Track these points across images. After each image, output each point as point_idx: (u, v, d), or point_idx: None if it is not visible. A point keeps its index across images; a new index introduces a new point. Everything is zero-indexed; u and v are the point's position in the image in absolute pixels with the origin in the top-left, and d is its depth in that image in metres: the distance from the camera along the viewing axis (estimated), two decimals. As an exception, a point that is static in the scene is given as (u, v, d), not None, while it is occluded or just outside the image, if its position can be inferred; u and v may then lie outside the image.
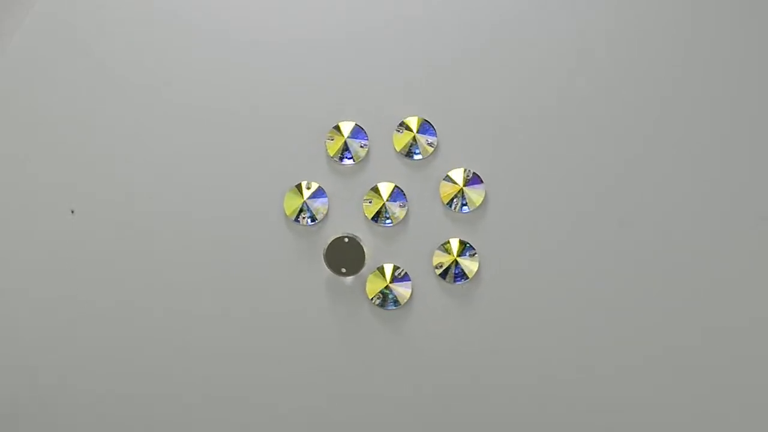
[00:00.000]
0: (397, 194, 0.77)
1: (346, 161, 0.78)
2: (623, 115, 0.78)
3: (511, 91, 0.79)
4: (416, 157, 0.78)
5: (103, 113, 0.81)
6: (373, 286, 0.76)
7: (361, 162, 0.78)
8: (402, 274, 0.76)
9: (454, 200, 0.77)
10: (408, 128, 0.78)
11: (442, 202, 0.77)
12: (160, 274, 0.78)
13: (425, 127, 0.78)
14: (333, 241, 0.75)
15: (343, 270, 0.75)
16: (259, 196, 0.79)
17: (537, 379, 0.75)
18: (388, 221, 0.77)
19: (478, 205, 0.77)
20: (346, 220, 0.78)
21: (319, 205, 0.77)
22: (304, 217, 0.77)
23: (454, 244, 0.76)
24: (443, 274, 0.76)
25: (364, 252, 0.75)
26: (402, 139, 0.78)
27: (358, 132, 0.78)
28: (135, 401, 0.77)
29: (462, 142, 0.78)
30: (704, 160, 0.77)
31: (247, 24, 0.81)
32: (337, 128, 0.78)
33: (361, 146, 0.78)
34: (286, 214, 0.77)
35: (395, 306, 0.76)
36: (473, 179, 0.77)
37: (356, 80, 0.80)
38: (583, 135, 0.78)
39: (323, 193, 0.77)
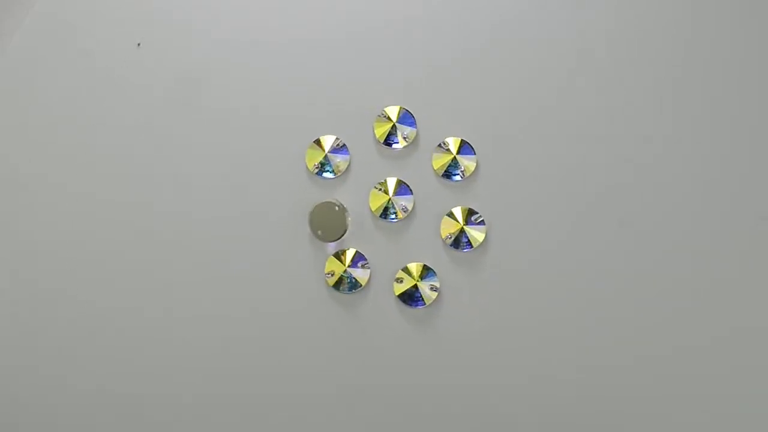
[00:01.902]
0: (403, 189, 0.77)
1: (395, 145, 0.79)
2: (623, 116, 0.78)
3: (512, 91, 0.79)
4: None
5: (103, 113, 0.81)
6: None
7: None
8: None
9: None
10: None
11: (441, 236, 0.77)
12: (164, 274, 0.78)
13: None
14: (322, 204, 0.75)
15: (319, 233, 0.75)
16: (261, 195, 0.79)
17: (535, 374, 0.75)
18: (393, 217, 0.77)
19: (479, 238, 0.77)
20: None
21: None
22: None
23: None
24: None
25: (345, 223, 0.75)
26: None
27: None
28: (135, 400, 0.77)
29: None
30: (705, 160, 0.77)
31: (248, 24, 0.81)
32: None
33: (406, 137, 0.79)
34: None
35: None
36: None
37: (358, 79, 0.80)
38: (584, 135, 0.78)
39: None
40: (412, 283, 0.76)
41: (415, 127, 0.78)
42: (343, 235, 0.76)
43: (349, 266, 0.76)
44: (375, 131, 0.78)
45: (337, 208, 0.75)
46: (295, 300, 0.77)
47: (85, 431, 0.77)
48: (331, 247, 0.77)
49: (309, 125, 0.79)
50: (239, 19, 0.81)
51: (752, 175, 0.77)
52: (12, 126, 0.81)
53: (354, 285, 0.76)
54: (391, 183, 0.78)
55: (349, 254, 0.76)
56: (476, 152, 0.78)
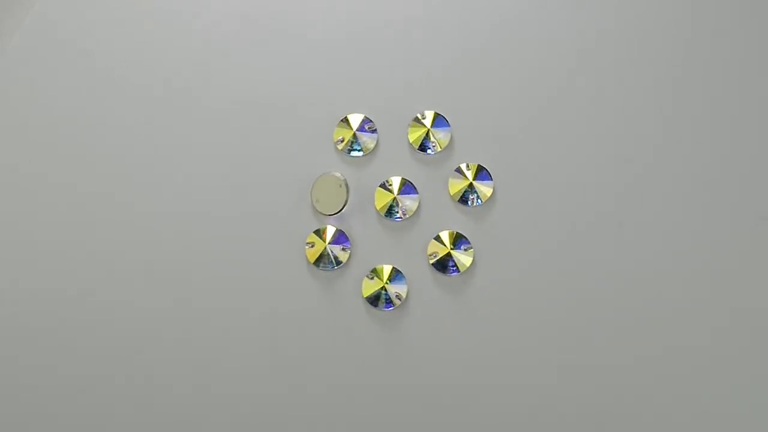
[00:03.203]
0: (408, 188, 0.77)
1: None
2: (624, 116, 0.78)
3: (512, 91, 0.79)
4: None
5: (103, 113, 0.81)
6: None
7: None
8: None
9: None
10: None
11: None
12: (166, 274, 0.78)
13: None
14: (327, 175, 0.75)
15: (317, 200, 0.75)
16: (262, 196, 0.79)
17: (535, 378, 0.75)
18: (397, 216, 0.77)
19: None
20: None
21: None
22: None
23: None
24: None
25: (346, 195, 0.75)
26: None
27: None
28: (135, 400, 0.77)
29: (471, 139, 0.78)
30: (706, 160, 0.77)
31: (248, 23, 0.81)
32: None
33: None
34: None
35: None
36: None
37: (360, 78, 0.80)
38: (584, 135, 0.78)
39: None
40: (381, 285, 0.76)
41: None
42: (339, 211, 0.76)
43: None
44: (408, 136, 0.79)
45: (340, 186, 0.75)
46: (303, 301, 0.77)
47: (82, 429, 0.77)
48: (331, 221, 0.77)
49: (309, 125, 0.79)
50: (239, 19, 0.81)
51: (753, 174, 0.77)
52: (12, 126, 0.81)
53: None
54: (396, 181, 0.78)
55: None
56: (493, 178, 0.78)
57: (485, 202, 0.77)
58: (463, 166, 0.77)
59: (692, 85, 0.78)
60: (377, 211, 0.77)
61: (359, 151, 0.78)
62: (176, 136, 0.80)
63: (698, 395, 0.74)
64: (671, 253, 0.76)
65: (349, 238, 0.77)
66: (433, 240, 0.76)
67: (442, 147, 0.78)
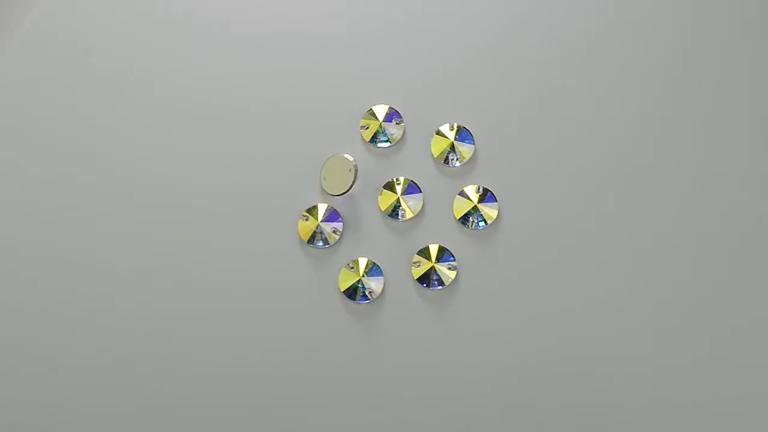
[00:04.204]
0: (412, 188, 0.77)
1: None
2: (625, 116, 0.78)
3: (512, 91, 0.79)
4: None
5: (103, 113, 0.80)
6: None
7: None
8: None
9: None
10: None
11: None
12: (170, 273, 0.78)
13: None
14: (339, 156, 0.75)
15: (324, 178, 0.76)
16: (264, 197, 0.78)
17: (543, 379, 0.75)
18: (401, 216, 0.77)
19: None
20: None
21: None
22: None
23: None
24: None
25: (353, 179, 0.75)
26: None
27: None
28: (134, 400, 0.76)
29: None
30: (705, 160, 0.77)
31: (248, 23, 0.81)
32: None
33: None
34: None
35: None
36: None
37: (362, 77, 0.80)
38: (585, 135, 0.78)
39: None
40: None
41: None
42: (345, 192, 0.75)
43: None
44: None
45: (350, 169, 0.75)
46: (309, 302, 0.77)
47: (82, 429, 0.76)
48: (338, 200, 0.77)
49: (322, 125, 0.79)
50: (239, 19, 0.81)
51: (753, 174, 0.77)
52: (12, 126, 0.80)
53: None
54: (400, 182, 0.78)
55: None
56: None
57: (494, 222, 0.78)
58: (468, 190, 0.78)
59: (692, 84, 0.78)
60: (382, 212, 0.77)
61: (386, 141, 0.79)
62: (177, 136, 0.79)
63: (699, 395, 0.74)
64: (673, 254, 0.76)
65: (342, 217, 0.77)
66: (417, 254, 0.76)
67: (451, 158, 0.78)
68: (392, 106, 0.79)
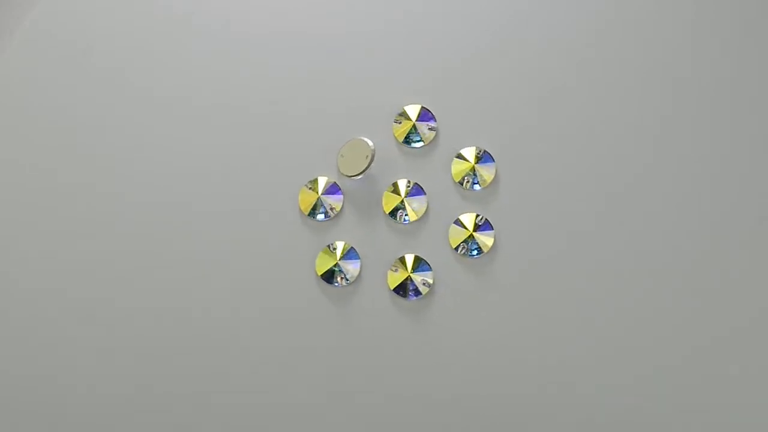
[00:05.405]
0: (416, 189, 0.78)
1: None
2: (625, 116, 0.78)
3: (513, 91, 0.79)
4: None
5: (104, 113, 0.80)
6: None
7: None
8: None
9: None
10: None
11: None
12: (170, 273, 0.78)
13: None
14: (359, 140, 0.76)
15: (342, 155, 0.76)
16: (263, 198, 0.79)
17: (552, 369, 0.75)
18: (405, 219, 0.77)
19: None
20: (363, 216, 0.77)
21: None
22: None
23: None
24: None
25: (367, 164, 0.75)
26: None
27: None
28: (136, 399, 0.76)
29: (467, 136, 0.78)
30: (706, 160, 0.77)
31: (248, 23, 0.81)
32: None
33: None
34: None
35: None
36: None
37: (363, 76, 0.80)
38: (587, 135, 0.78)
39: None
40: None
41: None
42: (357, 175, 0.76)
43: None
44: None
45: (366, 156, 0.75)
46: (310, 300, 0.77)
47: (82, 429, 0.76)
48: (350, 182, 0.78)
49: (320, 126, 0.79)
50: (239, 19, 0.81)
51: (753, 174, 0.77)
52: (12, 126, 0.80)
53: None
54: (402, 184, 0.78)
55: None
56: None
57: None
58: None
59: (692, 84, 0.78)
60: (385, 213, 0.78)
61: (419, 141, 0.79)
62: (177, 136, 0.79)
63: (699, 396, 0.74)
64: (673, 255, 0.76)
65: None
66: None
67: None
68: (392, 107, 0.79)
